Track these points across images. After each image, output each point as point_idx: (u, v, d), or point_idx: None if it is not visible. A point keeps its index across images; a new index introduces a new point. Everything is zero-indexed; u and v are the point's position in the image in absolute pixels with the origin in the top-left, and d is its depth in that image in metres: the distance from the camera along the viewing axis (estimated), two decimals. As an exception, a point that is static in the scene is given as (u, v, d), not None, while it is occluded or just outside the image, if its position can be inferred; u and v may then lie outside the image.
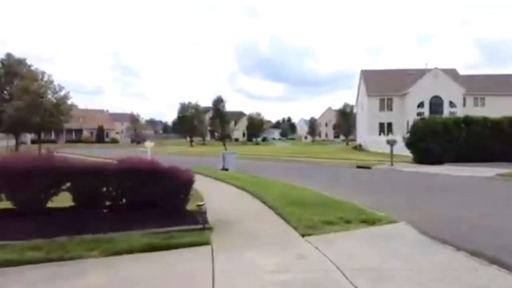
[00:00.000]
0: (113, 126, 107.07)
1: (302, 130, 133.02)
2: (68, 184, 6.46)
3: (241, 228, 6.97)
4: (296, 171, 22.52)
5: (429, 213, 9.13)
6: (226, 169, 20.18)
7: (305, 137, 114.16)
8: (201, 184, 13.09)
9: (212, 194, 10.87)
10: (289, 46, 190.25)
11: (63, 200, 6.82)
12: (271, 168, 24.44)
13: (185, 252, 5.63)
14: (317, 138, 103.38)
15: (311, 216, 7.39)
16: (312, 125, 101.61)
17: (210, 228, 6.68)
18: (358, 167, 23.32)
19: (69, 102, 32.52)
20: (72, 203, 6.69)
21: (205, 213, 7.44)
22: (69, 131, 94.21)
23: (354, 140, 73.18)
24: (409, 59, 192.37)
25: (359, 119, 59.67)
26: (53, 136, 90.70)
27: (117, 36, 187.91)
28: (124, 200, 6.89)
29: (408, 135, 26.41)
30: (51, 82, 31.92)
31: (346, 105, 75.29)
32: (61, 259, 5.15)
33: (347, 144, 73.26)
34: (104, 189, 6.65)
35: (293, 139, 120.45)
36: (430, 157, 23.08)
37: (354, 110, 70.27)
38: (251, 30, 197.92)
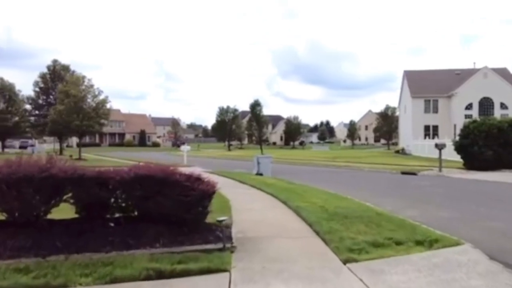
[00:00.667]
0: (154, 130, 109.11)
1: (341, 133, 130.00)
2: (70, 194, 5.58)
3: (270, 248, 5.81)
4: (335, 177, 21.06)
5: (495, 230, 7.60)
6: (260, 174, 19.12)
7: (344, 141, 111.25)
8: (230, 190, 12.09)
9: (240, 203, 9.82)
10: (327, 49, 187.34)
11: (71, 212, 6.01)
12: (308, 173, 23.13)
13: (198, 281, 4.56)
14: (356, 142, 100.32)
15: (355, 235, 6.13)
16: (351, 129, 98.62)
17: (232, 248, 5.59)
18: (403, 173, 21.50)
19: (107, 106, 32.55)
20: (75, 215, 5.82)
21: (228, 228, 6.38)
22: (112, 134, 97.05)
23: (396, 144, 70.16)
24: (453, 60, 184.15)
25: (402, 122, 56.82)
26: (97, 140, 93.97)
27: (160, 43, 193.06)
28: (134, 213, 5.94)
29: (457, 138, 24.24)
30: (91, 86, 32.14)
31: (388, 108, 72.22)
32: (46, 286, 4.23)
33: (388, 148, 70.26)
34: (111, 200, 5.73)
35: (331, 143, 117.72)
36: (483, 163, 20.97)
37: (397, 113, 67.27)
38: (290, 34, 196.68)
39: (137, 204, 5.81)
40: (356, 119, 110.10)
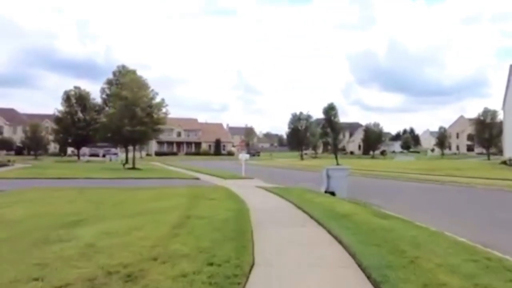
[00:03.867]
0: (231, 139, 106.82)
1: (426, 142, 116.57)
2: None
3: None
4: (448, 200, 14.23)
5: None
6: (331, 193, 13.15)
7: (432, 150, 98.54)
8: (271, 231, 6.51)
9: (287, 265, 4.15)
10: (408, 54, 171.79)
11: None
12: (402, 192, 16.51)
13: None
14: (445, 151, 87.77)
15: None
16: (441, 136, 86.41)
17: None
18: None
19: (163, 110, 28.72)
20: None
21: None
22: (189, 143, 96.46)
23: (497, 153, 58.45)
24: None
25: (508, 127, 46.11)
26: (174, 149, 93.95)
27: (239, 55, 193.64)
28: None
29: None
30: (147, 88, 28.63)
31: (486, 111, 60.66)
32: None
33: (488, 158, 58.78)
34: None
35: (416, 152, 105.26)
36: None
37: (499, 117, 55.94)
38: (368, 40, 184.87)
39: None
40: (441, 126, 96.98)
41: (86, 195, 11.13)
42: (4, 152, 64.16)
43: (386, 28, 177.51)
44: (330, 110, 51.00)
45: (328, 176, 13.55)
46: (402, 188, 18.40)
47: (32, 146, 59.35)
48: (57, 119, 49.87)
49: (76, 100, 49.46)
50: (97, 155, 67.32)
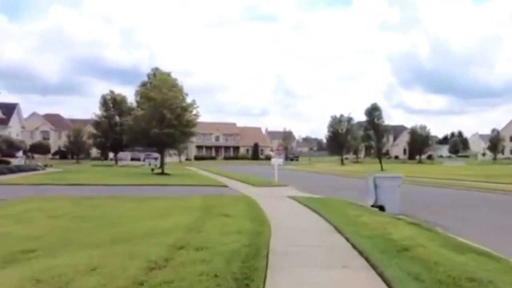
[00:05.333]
0: (269, 143, 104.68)
1: (475, 146, 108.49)
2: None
3: None
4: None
5: None
6: (380, 207, 10.53)
7: (483, 154, 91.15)
8: (303, 276, 4.12)
9: None
10: (454, 53, 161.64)
11: None
12: (463, 206, 13.47)
13: None
14: (498, 155, 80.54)
15: None
16: (494, 140, 79.46)
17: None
18: None
19: (194, 112, 26.97)
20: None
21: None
22: (227, 148, 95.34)
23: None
24: None
25: None
26: (213, 153, 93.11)
27: (279, 59, 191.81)
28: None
29: None
30: (179, 89, 27.10)
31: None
32: None
33: (552, 163, 52.58)
34: None
35: (466, 156, 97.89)
36: None
37: None
38: (410, 40, 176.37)
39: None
40: (497, 128, 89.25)
41: (81, 207, 9.27)
42: (49, 156, 65.79)
43: (428, 27, 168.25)
44: (373, 111, 47.02)
45: (376, 186, 10.89)
46: (465, 199, 15.27)
47: (74, 150, 60.21)
48: (95, 123, 49.82)
49: (113, 104, 49.18)
50: (138, 159, 67.28)
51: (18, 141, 27.14)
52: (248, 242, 5.67)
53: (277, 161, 20.93)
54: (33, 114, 75.22)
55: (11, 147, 24.32)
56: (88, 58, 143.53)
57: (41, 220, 7.59)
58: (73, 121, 74.06)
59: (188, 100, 27.43)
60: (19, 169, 23.83)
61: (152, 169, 28.04)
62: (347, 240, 6.26)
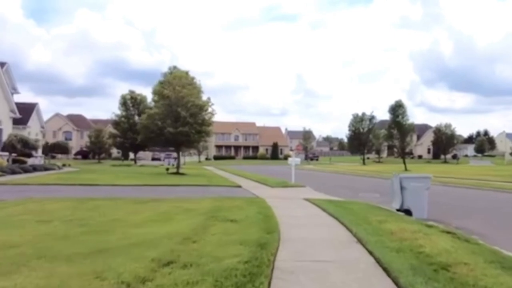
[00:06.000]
0: (289, 143, 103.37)
1: (503, 145, 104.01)
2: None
3: None
4: None
5: None
6: (407, 211, 9.37)
7: (511, 154, 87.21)
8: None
9: None
10: (478, 51, 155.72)
11: None
12: (499, 209, 12.09)
13: None
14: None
15: None
16: (524, 139, 75.75)
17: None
18: None
19: (209, 110, 26.16)
20: None
21: None
22: (247, 147, 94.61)
23: None
24: None
25: None
26: (232, 153, 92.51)
27: (298, 58, 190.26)
28: None
29: None
30: (195, 87, 26.34)
31: None
32: None
33: None
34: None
35: (492, 156, 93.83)
36: None
37: None
38: (432, 38, 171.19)
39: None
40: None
41: (77, 211, 8.50)
42: (72, 156, 66.54)
43: (451, 24, 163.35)
44: (397, 108, 44.96)
45: (402, 187, 9.70)
46: (498, 202, 13.84)
47: (96, 150, 60.54)
48: (115, 123, 49.79)
49: (133, 104, 49.03)
50: (159, 159, 67.13)
51: (33, 140, 26.89)
52: (249, 256, 4.67)
53: (294, 160, 19.82)
54: (56, 115, 76.50)
55: (26, 146, 24.04)
56: (111, 60, 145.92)
57: (29, 225, 6.82)
58: (95, 121, 74.85)
59: (204, 98, 26.62)
60: (34, 169, 23.56)
61: (167, 169, 27.38)
62: (371, 253, 5.19)
